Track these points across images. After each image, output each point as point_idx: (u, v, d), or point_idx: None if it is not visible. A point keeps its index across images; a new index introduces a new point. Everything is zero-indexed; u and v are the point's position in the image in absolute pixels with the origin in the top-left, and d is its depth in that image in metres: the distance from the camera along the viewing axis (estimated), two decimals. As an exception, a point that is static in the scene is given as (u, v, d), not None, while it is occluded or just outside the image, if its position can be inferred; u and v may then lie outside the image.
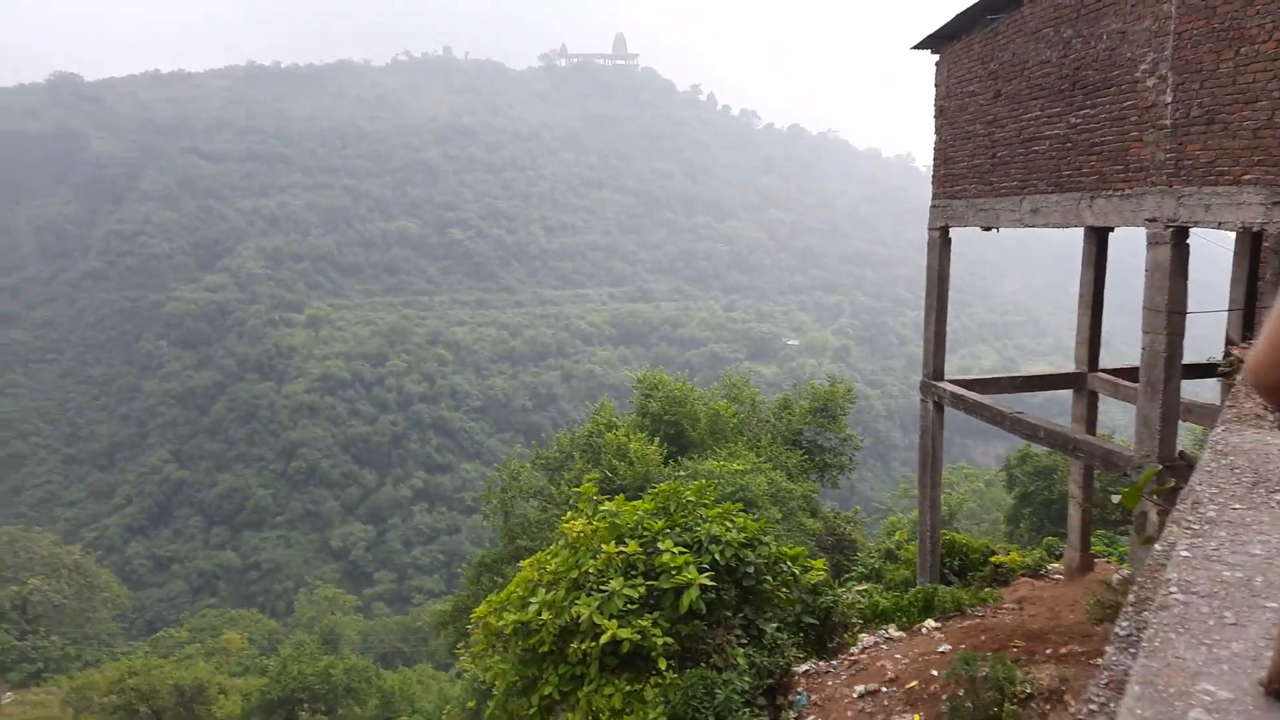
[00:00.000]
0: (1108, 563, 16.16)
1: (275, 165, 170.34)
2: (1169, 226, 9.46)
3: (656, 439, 24.58)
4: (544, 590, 8.96)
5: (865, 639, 10.29)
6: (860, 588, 14.73)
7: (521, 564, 10.12)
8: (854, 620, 10.69)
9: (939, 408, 15.50)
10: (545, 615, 8.50)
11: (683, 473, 21.03)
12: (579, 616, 8.32)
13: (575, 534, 9.42)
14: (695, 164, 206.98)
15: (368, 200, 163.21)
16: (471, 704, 22.22)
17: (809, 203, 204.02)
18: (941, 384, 15.32)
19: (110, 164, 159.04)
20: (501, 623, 8.86)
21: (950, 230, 15.12)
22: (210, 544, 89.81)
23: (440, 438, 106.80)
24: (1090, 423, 15.79)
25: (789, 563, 10.11)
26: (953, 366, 19.91)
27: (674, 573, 8.75)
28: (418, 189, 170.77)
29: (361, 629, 54.09)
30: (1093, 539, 16.34)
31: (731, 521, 10.00)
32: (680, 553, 9.05)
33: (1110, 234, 14.66)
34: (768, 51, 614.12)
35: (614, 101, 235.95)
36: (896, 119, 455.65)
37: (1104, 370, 15.28)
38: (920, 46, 14.93)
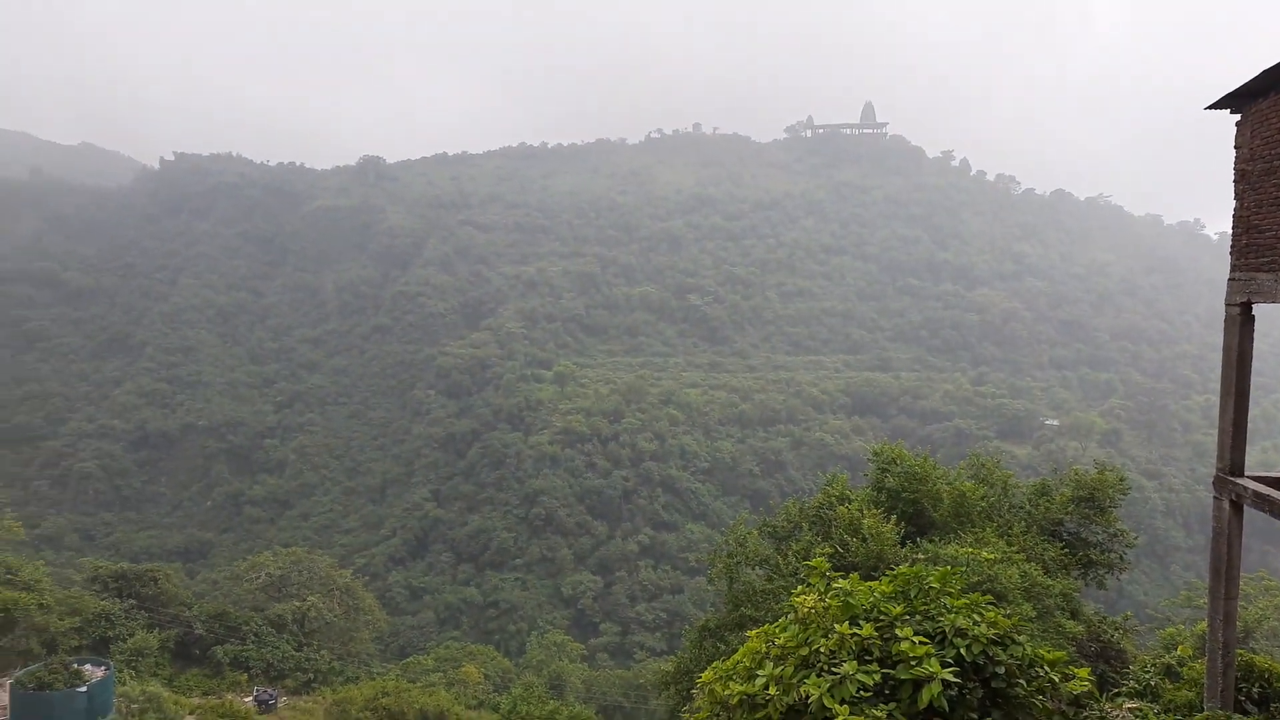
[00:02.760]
0: None
1: (536, 235, 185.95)
2: None
3: (893, 517, 23.29)
4: (771, 664, 8.67)
5: (1140, 769, 8.89)
6: (1132, 705, 12.85)
7: (748, 634, 9.87)
8: (1125, 745, 9.29)
9: (1237, 507, 13.35)
10: (773, 690, 8.20)
11: (922, 556, 19.70)
12: (808, 697, 7.93)
13: (806, 610, 9.06)
14: (944, 230, 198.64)
15: (615, 267, 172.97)
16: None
17: (1074, 272, 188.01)
18: (1241, 480, 13.20)
19: (401, 234, 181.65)
20: (727, 692, 8.66)
21: (1253, 307, 13.20)
22: (457, 579, 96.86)
23: (668, 496, 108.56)
24: None
25: (1047, 667, 9.04)
26: (1253, 460, 17.18)
27: (913, 664, 8.12)
28: (661, 256, 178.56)
29: (586, 678, 55.41)
30: None
31: (980, 614, 9.14)
32: (921, 642, 8.40)
33: None
34: (1029, 116, 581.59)
35: (859, 169, 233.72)
36: (1179, 184, 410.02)
37: None
38: (1218, 105, 13.37)
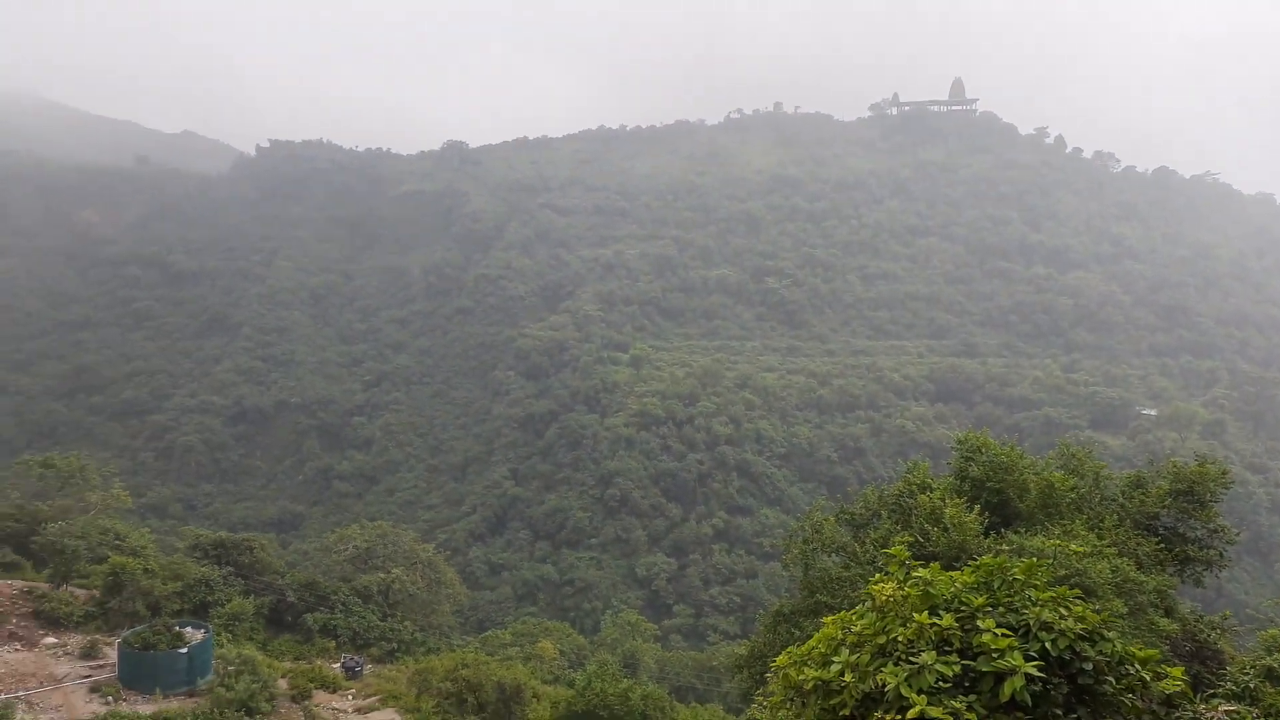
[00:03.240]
0: None
1: (615, 218, 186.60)
2: None
3: (976, 506, 22.62)
4: (847, 651, 8.54)
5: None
6: (1229, 709, 12.17)
7: (824, 620, 9.75)
8: (1222, 749, 8.83)
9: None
10: (848, 677, 8.09)
11: (1006, 547, 19.11)
12: (885, 685, 7.79)
13: (884, 598, 8.89)
14: (1037, 210, 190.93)
15: (692, 249, 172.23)
16: (764, 755, 21.80)
17: (1178, 254, 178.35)
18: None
19: (483, 217, 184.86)
20: (801, 677, 8.58)
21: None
22: (535, 556, 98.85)
23: (743, 480, 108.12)
24: None
25: (1137, 665, 8.65)
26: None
27: (995, 656, 7.88)
28: (739, 238, 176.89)
29: (659, 658, 55.89)
30: None
31: (1067, 608, 8.81)
32: (1004, 635, 8.15)
33: None
34: (1130, 90, 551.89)
35: (947, 148, 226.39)
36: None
37: None
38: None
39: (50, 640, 34.14)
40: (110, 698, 30.11)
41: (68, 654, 33.48)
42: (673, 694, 42.41)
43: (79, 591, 38.18)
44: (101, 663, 32.78)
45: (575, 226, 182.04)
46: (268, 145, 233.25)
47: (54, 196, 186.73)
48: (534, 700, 35.39)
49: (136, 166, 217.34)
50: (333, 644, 41.71)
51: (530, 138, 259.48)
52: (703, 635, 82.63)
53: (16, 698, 28.62)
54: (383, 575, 49.44)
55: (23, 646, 33.32)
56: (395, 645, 43.28)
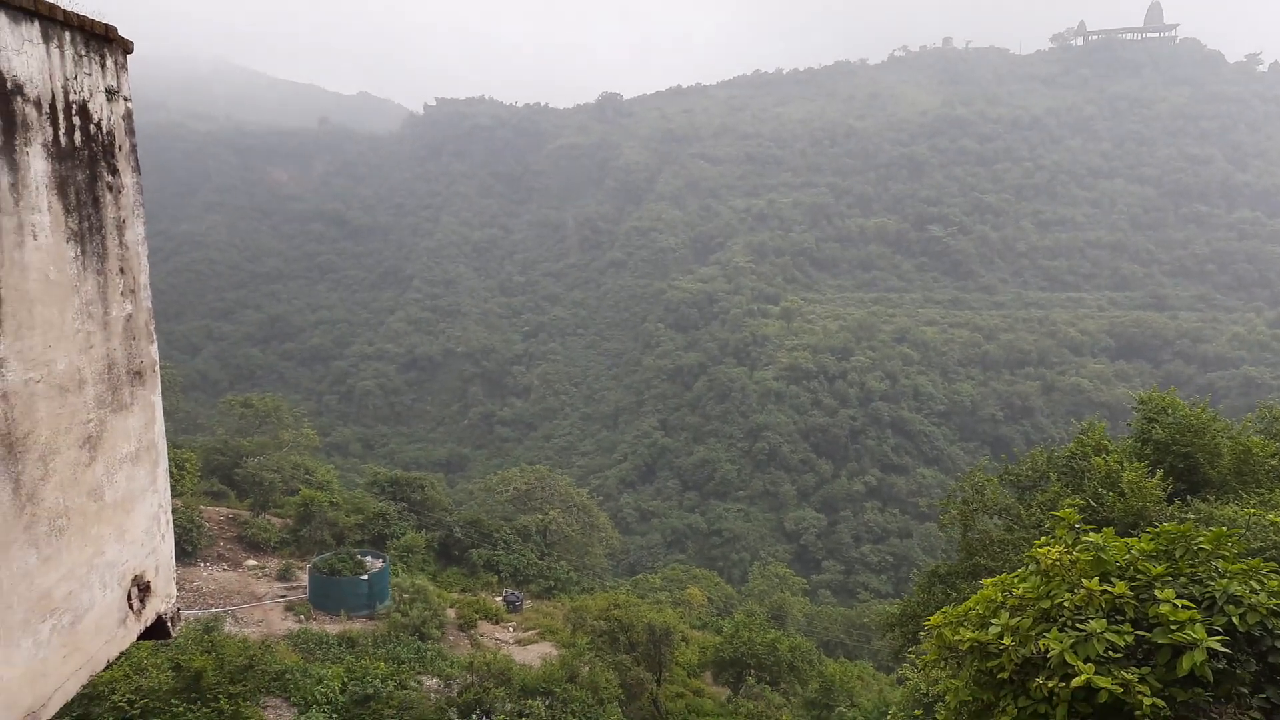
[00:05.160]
0: None
1: (768, 166, 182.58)
2: None
3: (1159, 472, 20.96)
4: (1007, 614, 8.25)
5: None
6: None
7: (984, 582, 9.44)
8: None
9: None
10: (1008, 640, 7.82)
11: (1193, 515, 17.65)
12: (1047, 651, 7.48)
13: (1050, 561, 8.48)
14: (1245, 148, 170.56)
15: (849, 197, 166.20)
16: (919, 714, 21.52)
17: None
18: None
19: (635, 170, 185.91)
20: (957, 638, 8.38)
21: None
22: (683, 506, 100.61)
23: (898, 438, 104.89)
24: None
25: (1343, 650, 7.85)
26: None
27: (1174, 628, 7.39)
28: (900, 184, 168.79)
29: (807, 612, 55.88)
30: None
31: (1260, 582, 8.10)
32: (1185, 607, 7.61)
33: None
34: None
35: (1140, 80, 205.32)
36: None
37: None
38: None
39: (251, 562, 38.38)
40: (302, 616, 33.62)
41: (266, 575, 37.55)
42: (820, 648, 42.41)
43: (275, 520, 42.56)
44: (294, 584, 36.57)
45: (727, 176, 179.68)
46: (434, 104, 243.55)
47: (250, 157, 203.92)
48: (683, 644, 36.38)
49: (319, 128, 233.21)
50: (495, 579, 44.45)
51: (684, 86, 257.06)
52: (853, 592, 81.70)
53: (225, 611, 32.44)
54: (541, 516, 51.99)
55: (228, 566, 37.65)
56: (552, 583, 45.57)
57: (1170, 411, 23.28)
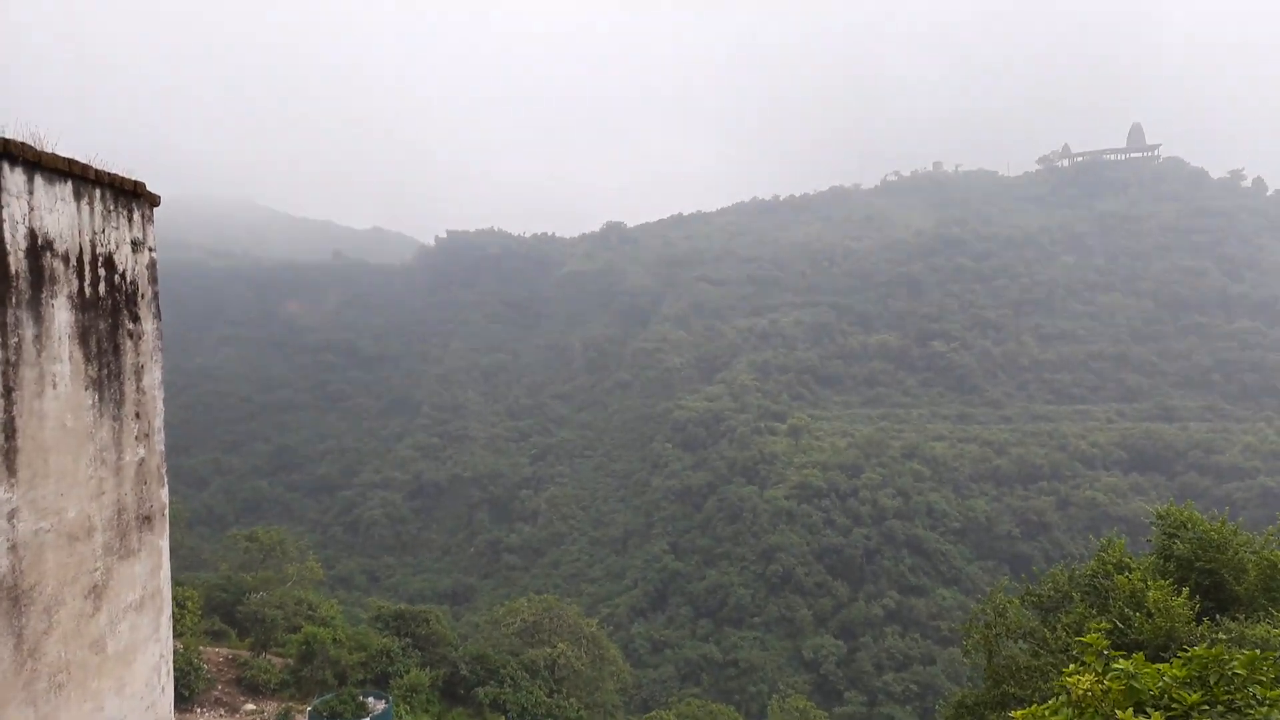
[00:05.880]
0: None
1: (769, 287, 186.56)
2: None
3: (1184, 589, 20.33)
4: (1040, 750, 7.86)
5: None
6: None
7: (1013, 714, 9.03)
8: None
9: None
10: (1042, 780, 7.43)
11: (1223, 636, 17.01)
12: (1084, 791, 7.10)
13: (1081, 691, 8.15)
14: (1237, 260, 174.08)
15: (851, 315, 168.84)
16: None
17: None
18: None
19: (640, 293, 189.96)
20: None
21: None
22: (697, 634, 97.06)
23: (915, 557, 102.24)
24: None
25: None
26: None
27: (1216, 764, 7.02)
28: (900, 302, 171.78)
29: (831, 748, 52.90)
30: None
31: (1303, 712, 7.73)
32: (1225, 740, 7.25)
33: None
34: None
35: (1127, 198, 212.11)
36: None
37: None
38: None
39: (250, 707, 36.85)
40: (302, 760, 31.97)
41: None
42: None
43: (276, 660, 41.11)
44: (295, 727, 34.94)
45: (729, 297, 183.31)
46: (445, 236, 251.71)
47: (266, 290, 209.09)
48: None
49: (333, 261, 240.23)
50: (502, 718, 42.45)
51: (684, 213, 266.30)
52: (877, 724, 77.69)
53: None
54: (549, 650, 50.11)
55: (226, 712, 36.13)
56: (561, 721, 43.37)
57: (1190, 526, 22.80)
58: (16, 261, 4.33)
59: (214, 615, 45.47)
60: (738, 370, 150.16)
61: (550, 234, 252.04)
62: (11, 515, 4.01)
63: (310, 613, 45.26)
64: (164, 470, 5.58)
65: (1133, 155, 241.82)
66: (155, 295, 5.77)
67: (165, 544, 5.51)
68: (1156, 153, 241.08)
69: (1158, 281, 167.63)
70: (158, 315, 5.76)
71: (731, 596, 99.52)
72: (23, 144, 4.50)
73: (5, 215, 4.28)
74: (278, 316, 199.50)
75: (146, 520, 5.27)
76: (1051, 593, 24.65)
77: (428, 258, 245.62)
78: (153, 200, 5.90)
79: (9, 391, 4.13)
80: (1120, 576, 21.41)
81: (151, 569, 5.29)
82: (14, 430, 4.10)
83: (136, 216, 5.70)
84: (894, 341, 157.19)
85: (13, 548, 3.99)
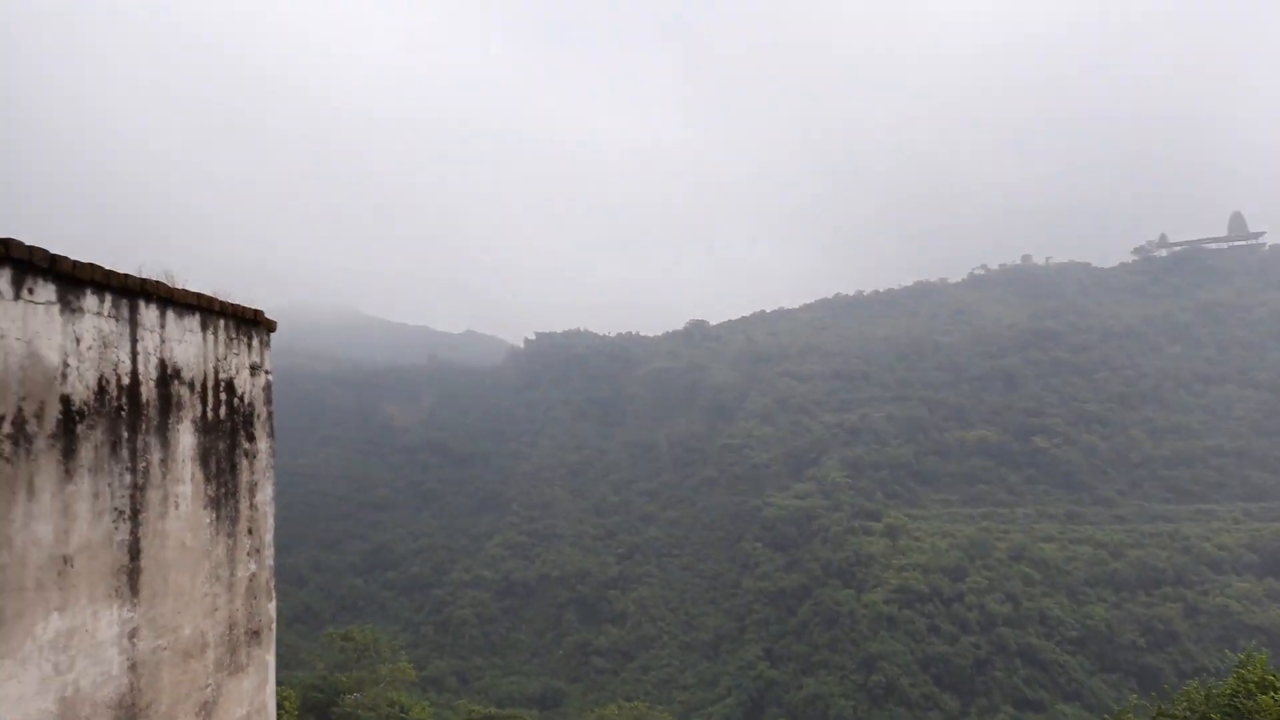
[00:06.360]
0: None
1: (856, 382, 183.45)
2: None
3: (1343, 715, 18.29)
4: None
5: None
6: None
7: None
8: None
9: None
10: None
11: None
12: None
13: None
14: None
15: (944, 409, 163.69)
16: None
17: None
18: None
19: (724, 389, 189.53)
20: None
21: None
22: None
23: (1029, 669, 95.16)
24: None
25: None
26: None
27: None
28: (996, 396, 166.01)
29: None
30: None
31: None
32: None
33: None
34: None
35: (1233, 287, 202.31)
36: None
37: None
38: None
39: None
40: None
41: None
42: None
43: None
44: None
45: (815, 392, 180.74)
46: (533, 337, 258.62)
47: (364, 393, 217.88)
48: None
49: (428, 364, 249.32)
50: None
51: (767, 310, 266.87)
52: None
53: None
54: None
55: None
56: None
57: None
58: (148, 391, 4.69)
59: (309, 716, 45.75)
60: (828, 467, 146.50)
61: (634, 333, 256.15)
62: (133, 634, 4.21)
63: (403, 715, 45.08)
64: (272, 584, 5.79)
65: (1235, 243, 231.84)
66: (270, 415, 6.11)
67: (272, 658, 5.66)
68: (1261, 240, 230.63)
69: (1276, 372, 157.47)
70: (271, 434, 6.09)
71: (832, 708, 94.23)
72: (157, 283, 4.93)
73: (139, 349, 4.67)
74: (376, 418, 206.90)
75: (255, 635, 5.44)
76: (1187, 714, 22.61)
77: (517, 358, 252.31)
78: (270, 326, 6.33)
79: (135, 514, 4.40)
80: (1265, 697, 19.51)
81: (259, 684, 5.42)
82: (138, 551, 4.35)
83: (255, 342, 6.11)
84: (993, 437, 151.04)
85: (132, 666, 4.17)
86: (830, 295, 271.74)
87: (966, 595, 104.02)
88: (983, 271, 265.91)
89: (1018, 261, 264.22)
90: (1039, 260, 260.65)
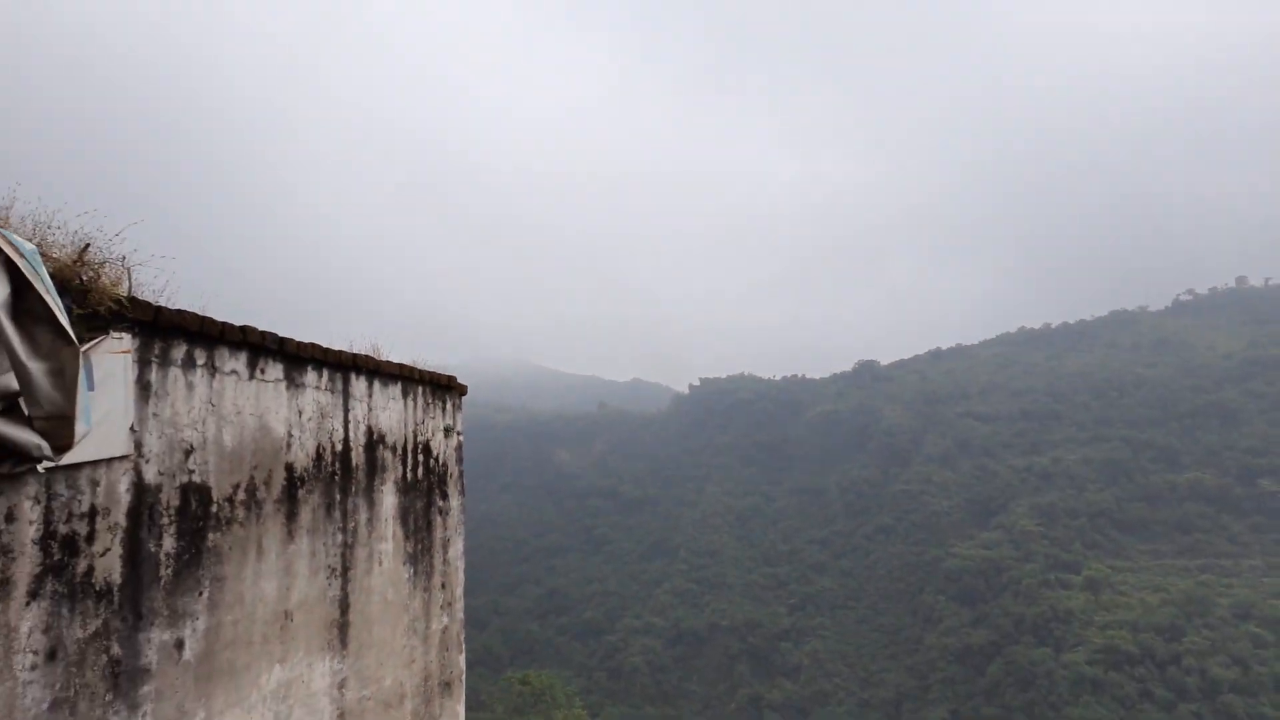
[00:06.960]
0: None
1: (1047, 422, 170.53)
2: None
3: None
4: None
5: None
6: None
7: None
8: None
9: None
10: None
11: None
12: None
13: None
14: None
15: (1151, 451, 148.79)
16: None
17: None
18: None
19: (898, 432, 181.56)
20: None
21: None
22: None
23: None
24: None
25: None
26: None
27: None
28: (1211, 435, 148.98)
29: None
30: None
31: None
32: None
33: None
34: None
35: None
36: None
37: None
38: None
39: None
40: None
41: None
42: None
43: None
44: None
45: (1000, 434, 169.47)
46: (698, 383, 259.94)
47: (539, 441, 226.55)
48: None
49: (597, 412, 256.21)
50: None
51: (943, 348, 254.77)
52: None
53: None
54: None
55: None
56: None
57: None
58: (357, 455, 5.13)
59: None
60: (1017, 514, 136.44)
61: (800, 376, 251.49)
62: (342, 685, 4.55)
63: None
64: (463, 637, 6.09)
65: None
66: (461, 474, 6.51)
67: (462, 709, 5.93)
68: None
69: None
70: (462, 492, 6.47)
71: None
72: (366, 356, 5.43)
73: (350, 418, 5.13)
74: (550, 465, 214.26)
75: (447, 686, 5.73)
76: None
77: (683, 405, 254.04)
78: (462, 390, 6.78)
79: (345, 570, 4.80)
80: None
81: (450, 735, 5.69)
82: (348, 605, 4.72)
83: (448, 405, 6.55)
84: (1210, 480, 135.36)
85: (340, 715, 4.49)
86: (1013, 329, 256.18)
87: (1184, 657, 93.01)
88: (1189, 297, 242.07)
89: (1231, 284, 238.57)
90: (1256, 282, 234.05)
